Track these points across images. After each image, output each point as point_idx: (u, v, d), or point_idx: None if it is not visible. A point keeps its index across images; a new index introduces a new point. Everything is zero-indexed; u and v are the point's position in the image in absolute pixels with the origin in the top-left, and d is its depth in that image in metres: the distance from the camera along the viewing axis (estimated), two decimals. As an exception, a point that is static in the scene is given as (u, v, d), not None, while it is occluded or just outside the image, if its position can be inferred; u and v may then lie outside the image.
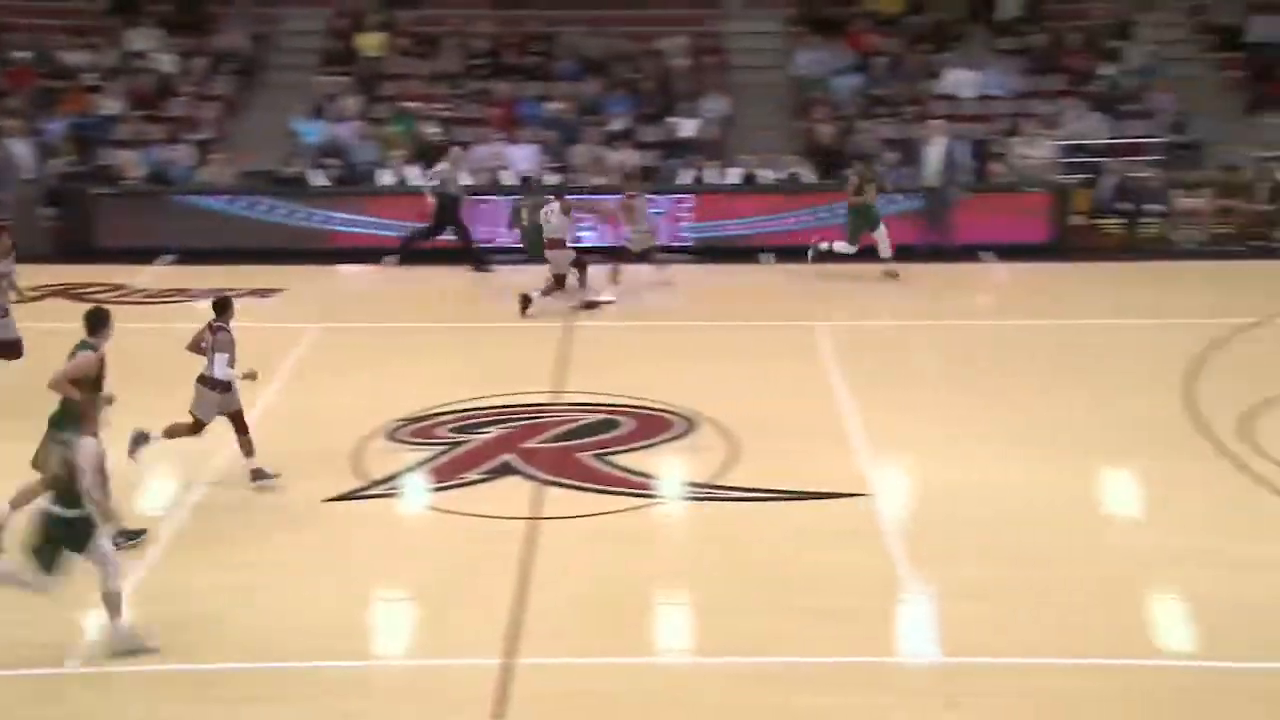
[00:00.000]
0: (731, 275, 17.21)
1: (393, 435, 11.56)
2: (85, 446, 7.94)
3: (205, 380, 10.28)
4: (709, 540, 9.91)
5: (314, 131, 19.72)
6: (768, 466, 10.90)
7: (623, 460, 11.09)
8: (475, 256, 17.57)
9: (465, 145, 19.46)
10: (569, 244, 15.49)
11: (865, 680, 7.94)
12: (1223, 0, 22.09)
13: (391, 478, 10.79)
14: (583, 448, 11.40)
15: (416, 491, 10.71)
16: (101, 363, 9.40)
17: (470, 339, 14.68)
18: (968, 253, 17.30)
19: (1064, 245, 17.48)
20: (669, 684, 8.01)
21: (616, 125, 19.69)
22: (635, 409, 12.14)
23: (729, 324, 15.16)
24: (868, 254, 16.48)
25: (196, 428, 10.36)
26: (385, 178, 19.12)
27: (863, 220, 16.38)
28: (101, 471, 8.14)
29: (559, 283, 15.36)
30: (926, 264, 17.01)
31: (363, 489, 10.66)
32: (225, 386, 10.26)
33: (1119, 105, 20.01)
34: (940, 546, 9.53)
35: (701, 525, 10.32)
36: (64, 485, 7.86)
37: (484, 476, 10.87)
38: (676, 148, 19.29)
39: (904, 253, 16.83)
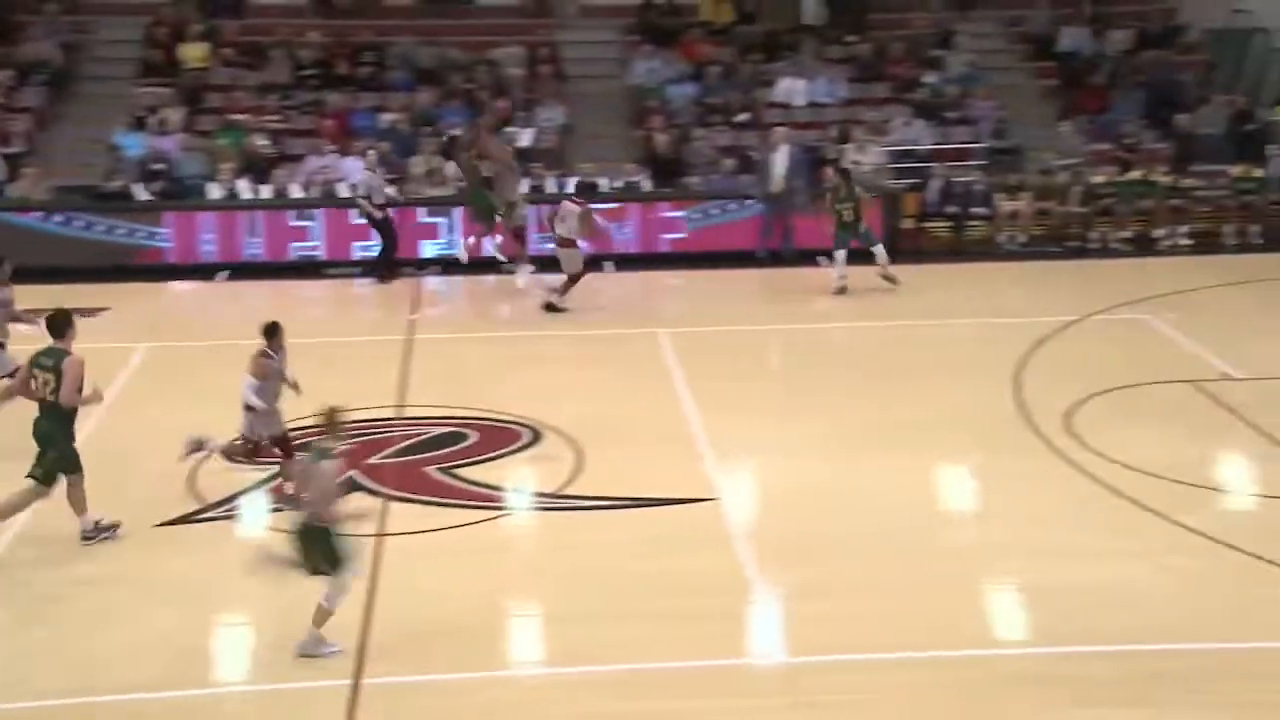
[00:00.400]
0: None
1: (230, 455, 11.26)
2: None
3: (248, 409, 10.28)
4: (557, 550, 9.89)
5: (135, 145, 19.04)
6: (614, 474, 10.93)
7: (469, 473, 10.99)
8: (388, 266, 17.33)
9: (299, 158, 19.10)
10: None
11: (714, 684, 8.01)
12: (1034, 10, 23.07)
13: (229, 499, 10.48)
14: (428, 462, 11.26)
15: (256, 512, 10.42)
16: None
17: (308, 354, 14.21)
18: (805, 257, 17.66)
19: (895, 248, 17.97)
20: (519, 696, 7.96)
21: (453, 135, 19.51)
22: (481, 421, 12.04)
23: (572, 333, 15.17)
24: (715, 262, 16.61)
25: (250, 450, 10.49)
26: (214, 191, 18.59)
27: (848, 232, 16.48)
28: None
29: (573, 281, 15.52)
30: (766, 269, 17.31)
31: (199, 512, 10.33)
32: (252, 409, 10.24)
33: (943, 112, 20.69)
34: (786, 547, 9.69)
35: (549, 535, 10.29)
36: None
37: (327, 494, 10.65)
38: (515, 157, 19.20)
39: (744, 259, 17.10)
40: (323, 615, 8.13)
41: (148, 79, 20.58)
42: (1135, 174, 18.47)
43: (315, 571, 8.15)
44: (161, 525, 10.01)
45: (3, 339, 12.01)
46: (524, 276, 16.84)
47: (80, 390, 9.48)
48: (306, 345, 14.57)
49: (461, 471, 11.00)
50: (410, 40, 21.67)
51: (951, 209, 18.70)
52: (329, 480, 8.15)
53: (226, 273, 17.38)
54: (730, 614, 8.75)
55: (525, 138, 19.49)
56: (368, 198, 17.19)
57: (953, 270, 17.32)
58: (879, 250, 16.34)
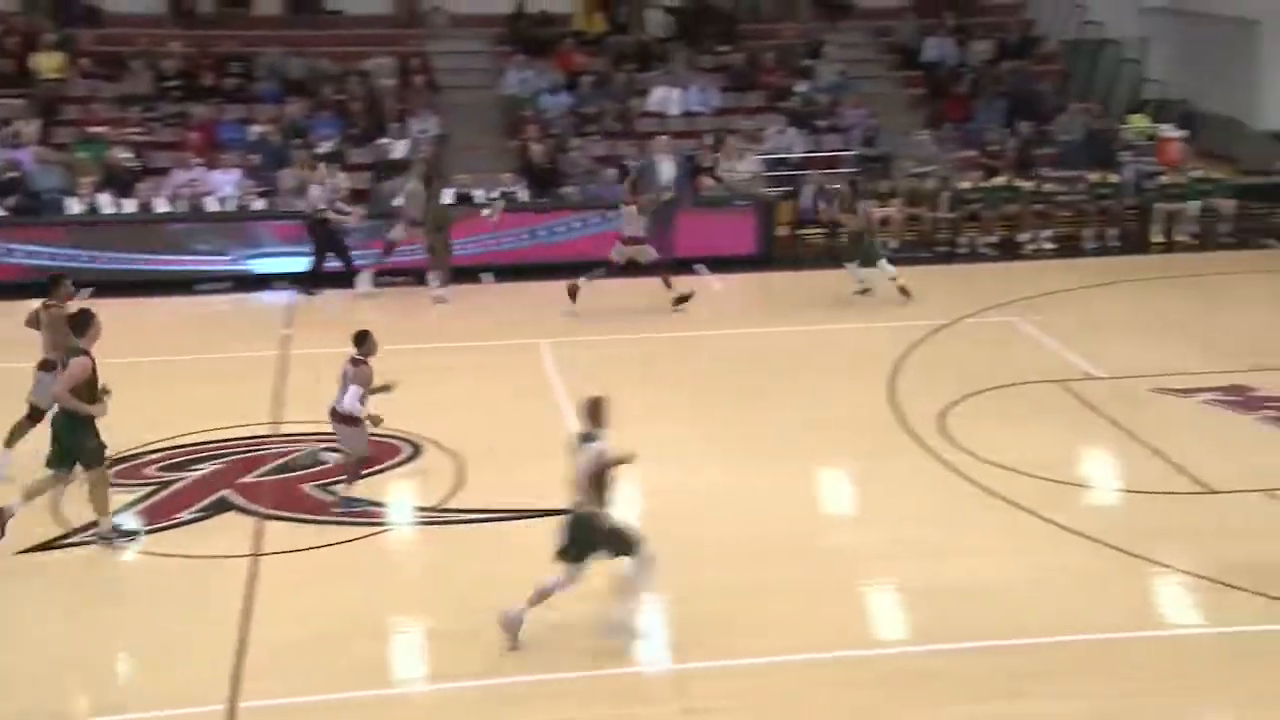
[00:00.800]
0: (453, 295, 16.99)
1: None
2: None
3: (337, 416, 10.33)
4: (438, 565, 9.78)
5: (-13, 157, 18.34)
6: (495, 487, 10.85)
7: (347, 489, 10.79)
8: (312, 279, 17.15)
9: (164, 171, 18.58)
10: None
11: (605, 693, 8.00)
12: (901, 21, 23.60)
13: (97, 523, 10.12)
14: (305, 479, 11.03)
15: (126, 536, 10.08)
16: (94, 364, 9.70)
17: (179, 372, 13.98)
18: (683, 266, 17.76)
19: (771, 256, 18.20)
20: (403, 714, 7.83)
21: (324, 147, 19.20)
22: (358, 436, 11.83)
23: (451, 345, 15.02)
24: (566, 270, 16.60)
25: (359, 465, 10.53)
26: (74, 206, 17.98)
27: (856, 248, 16.51)
28: None
29: (610, 270, 15.96)
30: (646, 278, 17.35)
31: (64, 537, 9.97)
32: (355, 420, 10.24)
33: (814, 120, 21.02)
34: (668, 554, 9.68)
35: (430, 550, 10.17)
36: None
37: (199, 515, 10.39)
38: (388, 168, 18.98)
39: (626, 267, 17.10)
40: (631, 589, 8.46)
41: (-1, 90, 19.86)
42: (999, 180, 18.96)
43: (580, 558, 8.39)
44: (24, 552, 9.63)
45: None
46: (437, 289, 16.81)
47: (77, 391, 9.58)
48: (177, 362, 14.37)
49: (340, 488, 10.79)
50: (278, 51, 21.26)
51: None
52: (597, 465, 8.35)
53: (90, 289, 16.81)
54: (619, 622, 8.73)
55: (400, 149, 19.27)
56: (324, 209, 17.14)
57: (828, 276, 17.57)
58: (885, 266, 16.32)
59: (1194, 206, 18.70)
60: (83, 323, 9.91)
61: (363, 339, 10.48)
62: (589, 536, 8.37)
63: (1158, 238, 18.57)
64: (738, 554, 9.76)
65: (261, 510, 10.37)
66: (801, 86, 21.66)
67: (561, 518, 8.55)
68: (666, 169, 18.18)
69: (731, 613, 8.83)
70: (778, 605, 8.97)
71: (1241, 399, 12.62)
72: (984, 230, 18.76)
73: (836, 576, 9.52)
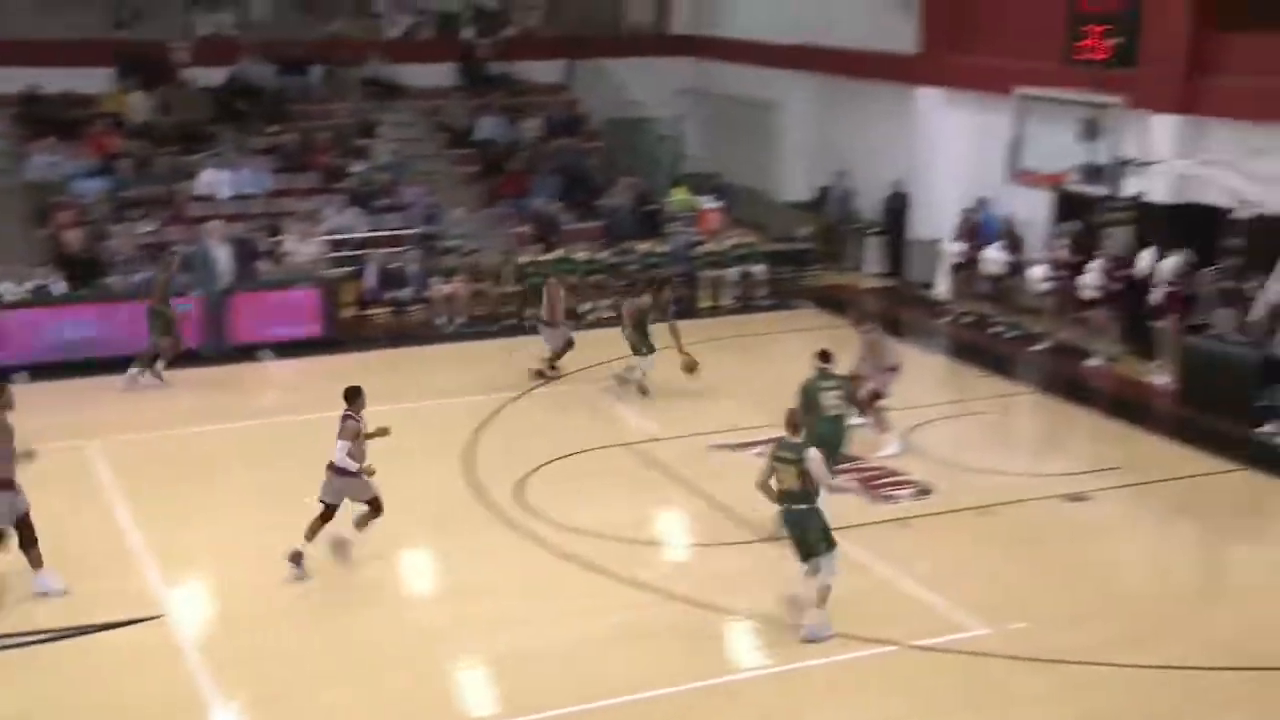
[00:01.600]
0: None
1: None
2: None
3: (332, 467, 10.65)
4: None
5: None
6: (48, 604, 9.94)
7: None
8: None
9: None
10: None
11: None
12: (451, 101, 24.08)
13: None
14: None
15: None
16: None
17: None
18: (245, 352, 17.09)
19: (338, 337, 17.87)
20: None
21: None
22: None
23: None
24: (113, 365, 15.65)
25: (328, 515, 10.70)
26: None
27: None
28: None
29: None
30: (206, 367, 16.56)
31: None
32: (348, 472, 10.56)
33: (373, 200, 20.97)
34: (242, 657, 9.30)
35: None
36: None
37: None
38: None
39: (183, 357, 16.29)
40: (826, 592, 9.55)
41: None
42: (557, 253, 19.63)
43: (811, 554, 9.53)
44: None
45: None
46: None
47: None
48: None
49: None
50: None
51: (389, 294, 18.91)
52: (820, 465, 9.58)
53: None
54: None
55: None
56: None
57: (396, 355, 17.48)
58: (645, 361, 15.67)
59: (734, 272, 20.17)
60: None
61: (354, 395, 10.86)
62: (819, 530, 9.60)
63: (705, 302, 19.86)
64: (321, 645, 9.51)
65: None
66: (358, 166, 21.58)
67: (788, 517, 9.66)
68: (221, 254, 17.53)
69: (311, 708, 8.50)
70: (363, 691, 8.76)
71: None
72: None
73: (424, 654, 9.47)
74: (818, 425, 11.38)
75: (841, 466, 11.95)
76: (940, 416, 14.73)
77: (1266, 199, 14.38)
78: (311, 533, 10.77)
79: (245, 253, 18.28)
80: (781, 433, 9.95)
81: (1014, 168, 14.88)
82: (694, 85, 26.62)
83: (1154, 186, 16.00)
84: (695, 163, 24.70)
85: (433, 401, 15.64)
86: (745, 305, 19.96)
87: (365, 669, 9.22)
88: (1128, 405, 15.38)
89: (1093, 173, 13.99)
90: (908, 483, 12.84)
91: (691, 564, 11.56)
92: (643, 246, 20.19)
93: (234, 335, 17.30)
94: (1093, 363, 16.58)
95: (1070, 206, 17.60)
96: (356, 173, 21.40)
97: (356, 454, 10.72)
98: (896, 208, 21.25)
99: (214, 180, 20.44)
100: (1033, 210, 18.29)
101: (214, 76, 22.77)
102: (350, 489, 10.84)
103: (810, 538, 9.63)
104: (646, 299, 15.97)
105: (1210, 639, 9.80)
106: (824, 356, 11.92)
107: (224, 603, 10.44)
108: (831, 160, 22.71)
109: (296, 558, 10.69)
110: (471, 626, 10.02)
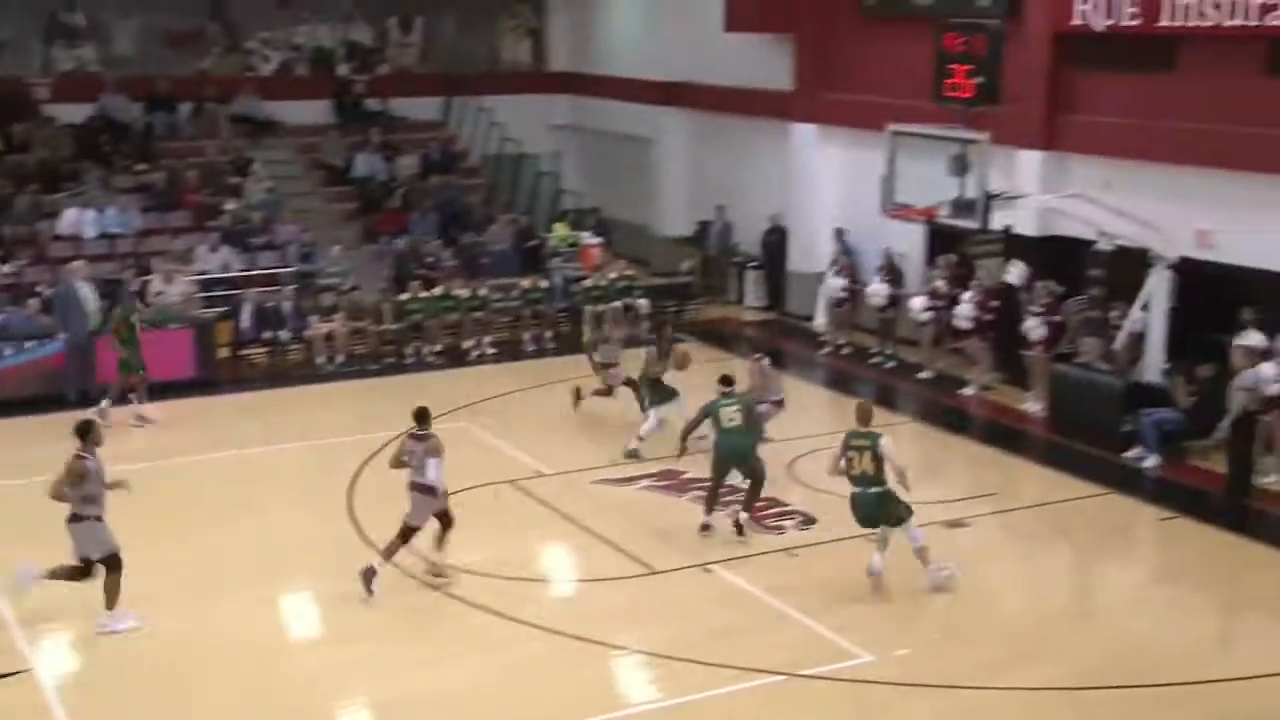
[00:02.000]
0: None
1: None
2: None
3: (418, 487, 10.98)
4: None
5: None
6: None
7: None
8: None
9: None
10: None
11: None
12: (326, 138, 23.83)
13: None
14: None
15: None
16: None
17: None
18: (120, 398, 16.59)
19: (213, 378, 17.46)
20: None
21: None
22: None
23: None
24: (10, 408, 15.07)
25: (408, 534, 11.05)
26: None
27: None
28: None
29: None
30: (72, 411, 16.02)
31: None
32: (433, 490, 10.93)
33: (248, 238, 20.60)
34: (110, 708, 9.01)
35: None
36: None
37: None
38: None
39: (47, 402, 15.76)
40: (925, 552, 11.05)
41: None
42: (438, 290, 19.50)
43: (899, 521, 11.03)
44: None
45: None
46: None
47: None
48: None
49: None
50: None
51: (266, 334, 18.55)
52: (893, 448, 10.99)
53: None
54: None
55: None
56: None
57: (275, 395, 17.16)
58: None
59: (617, 306, 20.22)
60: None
61: (424, 415, 11.18)
62: (894, 507, 11.00)
63: (588, 336, 19.87)
64: (199, 690, 9.26)
65: None
66: (231, 204, 21.19)
67: (863, 498, 10.98)
68: (86, 294, 17.02)
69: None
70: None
71: (674, 482, 13.73)
72: (429, 340, 19.17)
73: (309, 702, 9.26)
74: (719, 439, 12.32)
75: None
76: (822, 447, 14.90)
77: (1124, 231, 14.93)
78: (389, 553, 11.06)
79: (120, 293, 17.79)
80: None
81: (887, 202, 15.21)
82: (572, 122, 26.77)
83: (1022, 219, 16.52)
84: (576, 198, 24.81)
85: (312, 442, 15.37)
86: (628, 340, 20.03)
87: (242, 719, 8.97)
88: (1002, 433, 15.78)
89: (963, 206, 14.35)
90: (792, 513, 12.98)
91: (578, 600, 11.52)
92: (525, 282, 20.16)
93: (101, 377, 16.77)
94: (968, 392, 16.98)
95: (943, 240, 18.07)
96: (229, 211, 21.01)
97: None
98: (775, 241, 21.57)
99: (78, 219, 19.91)
100: (909, 243, 18.74)
101: (77, 113, 22.21)
102: (421, 506, 11.13)
103: (892, 510, 11.06)
104: (652, 350, 15.70)
105: (1084, 659, 10.06)
106: (725, 381, 12.72)
107: (89, 654, 10.07)
108: (711, 195, 22.98)
109: (369, 575, 10.88)
110: (353, 672, 9.84)
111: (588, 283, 20.37)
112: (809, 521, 12.78)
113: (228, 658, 10.04)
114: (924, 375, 17.63)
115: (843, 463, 11.12)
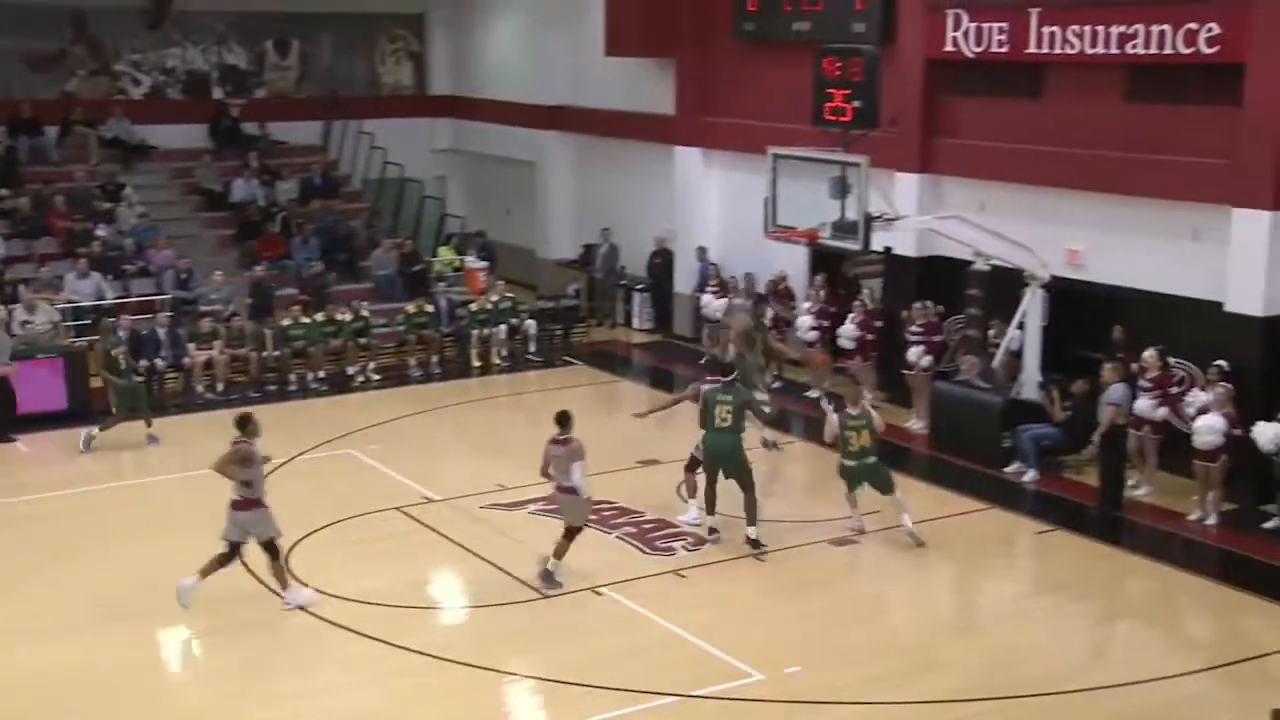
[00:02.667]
0: None
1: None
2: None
3: (564, 489, 11.36)
4: None
5: None
6: None
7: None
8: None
9: None
10: None
11: None
12: (201, 163, 23.34)
13: None
14: None
15: None
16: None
17: None
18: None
19: (86, 408, 16.91)
20: None
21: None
22: None
23: None
24: None
25: (573, 534, 11.49)
26: None
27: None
28: None
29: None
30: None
31: None
32: (577, 491, 11.28)
33: (121, 265, 20.05)
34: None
35: None
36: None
37: None
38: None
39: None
40: (903, 502, 12.57)
41: None
42: (321, 315, 19.19)
43: (889, 489, 12.73)
44: None
45: None
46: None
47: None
48: None
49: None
50: None
51: (143, 362, 18.04)
52: (878, 418, 12.88)
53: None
54: None
55: None
56: None
57: (154, 425, 16.68)
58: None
59: (502, 330, 20.15)
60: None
61: (565, 419, 11.34)
62: (886, 474, 12.75)
63: (475, 361, 19.75)
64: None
65: None
66: (102, 231, 20.62)
67: (863, 467, 12.55)
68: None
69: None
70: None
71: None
72: (312, 366, 18.84)
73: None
74: (707, 437, 12.57)
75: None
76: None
77: (999, 251, 15.32)
78: (561, 552, 11.48)
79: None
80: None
81: (771, 224, 15.41)
82: (455, 145, 26.67)
83: (901, 241, 16.86)
84: (460, 223, 24.67)
85: (193, 472, 14.95)
86: (516, 363, 19.96)
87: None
88: (887, 450, 16.01)
89: (844, 228, 14.60)
90: (682, 534, 13.01)
91: (467, 626, 11.39)
92: (410, 307, 19.96)
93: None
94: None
95: (825, 261, 18.35)
96: (100, 237, 20.44)
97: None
98: (661, 264, 21.70)
99: (-65, 247, 19.21)
100: (794, 265, 18.99)
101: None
102: (571, 508, 11.56)
103: (884, 477, 12.73)
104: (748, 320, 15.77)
105: (969, 671, 10.26)
106: (726, 370, 13.04)
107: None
108: (596, 218, 23.04)
109: (547, 577, 11.45)
110: (241, 706, 9.59)
111: (473, 307, 20.24)
112: (700, 542, 12.82)
113: (111, 693, 9.72)
114: (812, 394, 17.84)
115: (843, 441, 12.60)
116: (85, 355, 17.60)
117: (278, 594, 11.18)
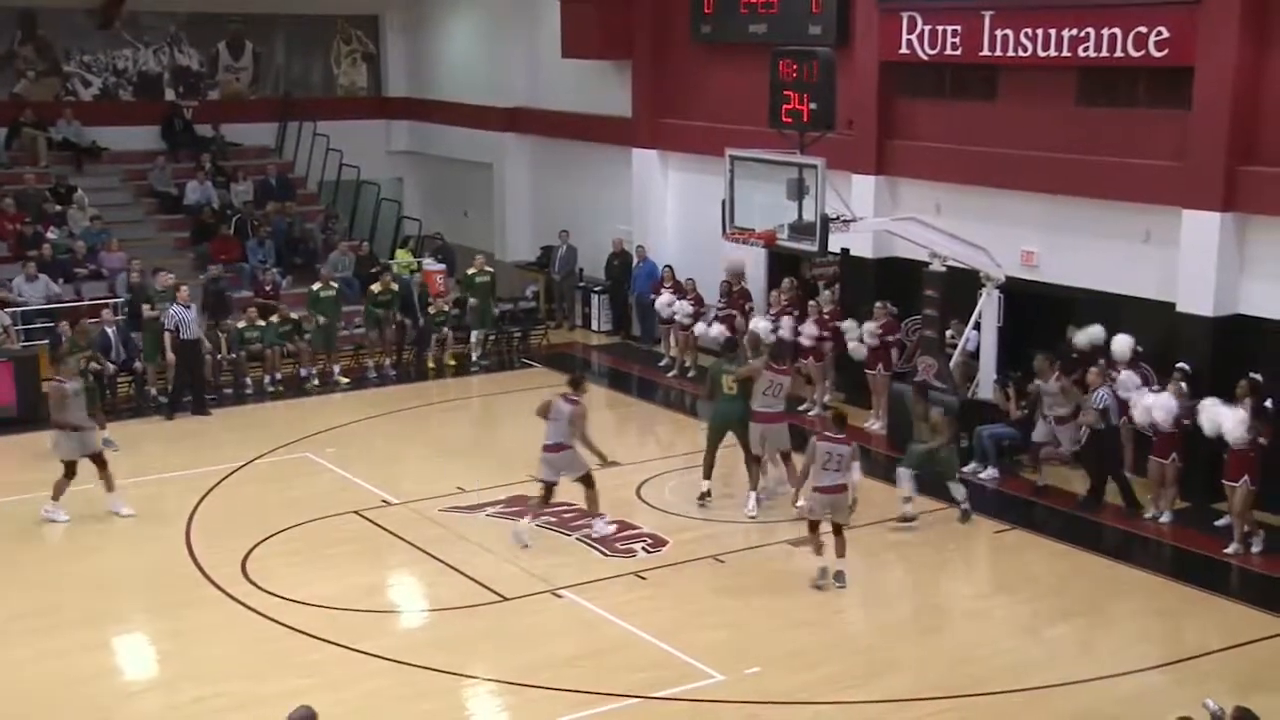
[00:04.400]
0: None
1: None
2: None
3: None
4: None
5: None
6: None
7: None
8: None
9: None
10: None
11: None
12: (154, 165, 23.09)
13: None
14: None
15: None
16: None
17: None
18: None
19: (36, 413, 16.67)
20: None
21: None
22: None
23: None
24: None
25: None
26: None
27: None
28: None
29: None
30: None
31: None
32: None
33: (72, 268, 19.81)
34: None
35: None
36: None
37: None
38: None
39: None
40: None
41: None
42: (276, 318, 19.02)
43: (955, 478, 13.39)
44: None
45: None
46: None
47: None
48: None
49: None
50: None
51: (94, 367, 17.77)
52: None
53: None
54: None
55: None
56: None
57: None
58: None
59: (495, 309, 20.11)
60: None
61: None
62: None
63: (432, 364, 19.65)
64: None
65: None
66: (53, 234, 20.36)
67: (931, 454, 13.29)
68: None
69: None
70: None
71: (522, 509, 13.62)
72: (268, 369, 18.68)
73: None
74: (719, 403, 13.65)
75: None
76: (670, 469, 15.04)
77: (955, 252, 15.43)
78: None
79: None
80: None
81: (729, 226, 15.44)
82: (412, 147, 26.54)
83: (858, 242, 16.95)
84: (417, 225, 24.55)
85: (148, 477, 14.82)
86: (473, 366, 19.89)
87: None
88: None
89: (801, 230, 14.65)
90: (641, 536, 13.02)
91: (426, 630, 11.34)
92: (375, 286, 19.74)
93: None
94: (812, 412, 17.27)
95: (783, 263, 18.41)
96: (51, 240, 20.18)
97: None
98: (619, 266, 21.69)
99: None
100: (754, 266, 19.04)
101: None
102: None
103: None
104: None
105: (924, 670, 10.32)
106: (730, 345, 14.32)
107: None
108: (554, 220, 23.00)
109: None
110: (197, 713, 9.49)
111: (430, 309, 20.14)
112: (659, 544, 12.83)
113: (69, 700, 9.58)
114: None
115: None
116: (36, 359, 17.35)
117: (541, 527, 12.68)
